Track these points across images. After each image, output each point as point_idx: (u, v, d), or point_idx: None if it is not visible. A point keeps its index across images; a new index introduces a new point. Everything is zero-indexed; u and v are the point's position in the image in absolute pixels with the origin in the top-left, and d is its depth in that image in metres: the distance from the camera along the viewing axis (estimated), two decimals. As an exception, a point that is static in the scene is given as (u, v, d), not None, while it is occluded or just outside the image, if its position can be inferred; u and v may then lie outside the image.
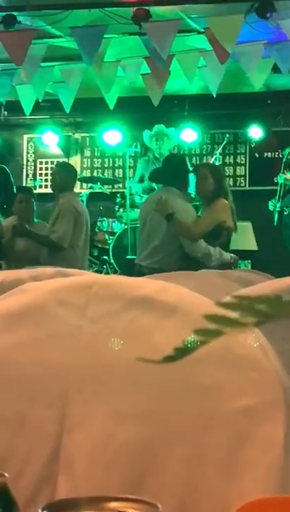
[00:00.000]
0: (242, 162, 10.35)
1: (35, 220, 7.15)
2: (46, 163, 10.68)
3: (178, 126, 9.67)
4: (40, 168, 10.79)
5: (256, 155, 10.23)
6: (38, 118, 9.98)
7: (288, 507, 0.88)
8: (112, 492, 1.01)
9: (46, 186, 9.56)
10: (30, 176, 10.85)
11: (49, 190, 7.33)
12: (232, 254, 6.08)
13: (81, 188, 9.87)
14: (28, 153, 10.92)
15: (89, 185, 9.69)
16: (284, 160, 9.06)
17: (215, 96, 7.62)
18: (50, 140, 10.51)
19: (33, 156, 10.91)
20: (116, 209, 8.87)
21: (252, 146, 10.21)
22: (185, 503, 1.16)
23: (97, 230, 8.84)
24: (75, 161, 10.49)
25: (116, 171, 10.65)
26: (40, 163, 10.82)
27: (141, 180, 9.07)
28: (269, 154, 10.17)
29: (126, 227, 8.47)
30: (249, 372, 1.18)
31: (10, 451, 1.25)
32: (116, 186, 9.98)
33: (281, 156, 9.45)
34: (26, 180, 10.71)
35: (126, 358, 1.22)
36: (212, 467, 1.16)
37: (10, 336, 1.30)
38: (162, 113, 9.09)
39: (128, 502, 0.81)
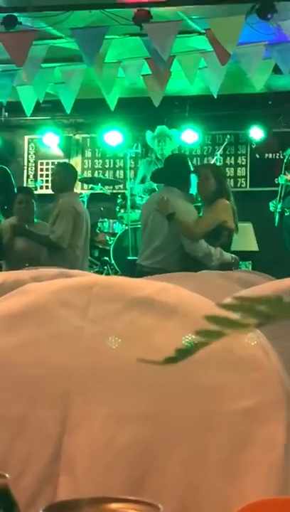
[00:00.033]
0: (243, 163, 10.35)
1: (36, 220, 7.15)
2: (47, 164, 10.69)
3: (179, 127, 9.68)
4: (41, 169, 10.79)
5: (257, 156, 10.23)
6: (38, 119, 9.99)
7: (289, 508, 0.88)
8: (113, 493, 1.01)
9: (47, 187, 9.55)
10: (31, 176, 10.85)
11: (50, 191, 7.32)
12: (233, 255, 6.08)
13: (82, 188, 9.88)
14: (28, 154, 10.93)
15: (90, 186, 9.69)
16: (285, 161, 9.06)
17: (215, 97, 7.62)
18: (50, 141, 10.51)
19: (33, 156, 10.91)
20: (117, 210, 8.87)
21: (253, 147, 10.21)
22: (185, 504, 1.16)
23: (97, 231, 8.84)
24: (76, 161, 10.49)
25: (117, 171, 10.65)
26: (41, 164, 10.82)
27: (143, 181, 9.07)
28: (270, 155, 10.17)
29: (126, 228, 8.47)
30: (250, 373, 1.18)
31: (11, 452, 1.25)
32: (116, 187, 9.98)
33: (281, 157, 9.46)
34: (27, 181, 10.71)
35: (127, 359, 1.22)
36: (213, 468, 1.16)
37: (11, 337, 1.30)
38: (163, 114, 9.09)
39: (129, 503, 0.81)
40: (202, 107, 9.47)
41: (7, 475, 0.85)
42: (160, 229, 6.02)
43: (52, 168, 9.01)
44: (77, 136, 10.80)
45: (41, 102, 8.20)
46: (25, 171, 10.89)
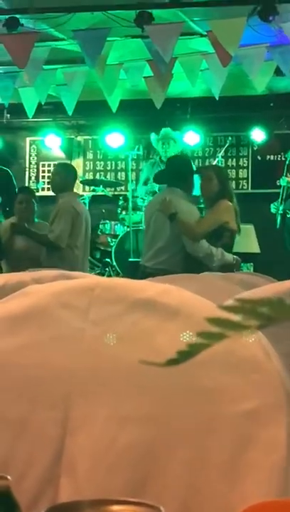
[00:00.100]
0: (245, 165, 10.35)
1: (36, 220, 7.14)
2: (49, 165, 10.69)
3: (181, 129, 9.68)
4: (43, 171, 10.79)
5: (259, 158, 10.23)
6: (40, 121, 9.99)
7: (291, 510, 0.88)
8: (114, 495, 1.01)
9: (49, 189, 9.54)
10: (33, 178, 10.86)
11: (51, 193, 7.32)
12: (235, 256, 6.09)
13: (83, 190, 9.88)
14: (30, 155, 10.94)
15: (92, 187, 9.69)
16: (287, 163, 9.07)
17: (217, 99, 7.62)
18: (52, 143, 10.52)
19: (35, 158, 10.92)
20: (119, 212, 8.88)
21: (255, 148, 10.21)
22: (187, 506, 1.16)
23: (99, 233, 8.84)
24: (78, 163, 10.49)
25: (119, 173, 10.66)
26: (43, 165, 10.83)
27: (146, 183, 9.08)
28: (272, 157, 10.16)
29: (128, 229, 8.48)
30: (251, 375, 1.18)
31: (12, 454, 1.25)
32: (118, 189, 9.98)
33: (283, 158, 9.46)
34: (29, 182, 10.71)
35: (128, 361, 1.22)
36: (215, 470, 1.16)
37: (13, 339, 1.30)
38: (164, 116, 9.09)
39: (130, 505, 0.81)
40: (203, 108, 9.47)
41: (9, 477, 0.85)
42: (162, 230, 6.03)
43: (52, 169, 9.02)
44: (79, 138, 10.80)
45: (43, 103, 8.20)
46: (26, 173, 10.90)
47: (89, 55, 6.87)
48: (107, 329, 1.27)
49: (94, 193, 9.45)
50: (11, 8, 6.86)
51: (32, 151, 10.93)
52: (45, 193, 9.78)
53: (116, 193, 9.75)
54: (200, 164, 9.95)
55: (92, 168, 10.78)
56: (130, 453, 1.20)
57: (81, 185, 9.90)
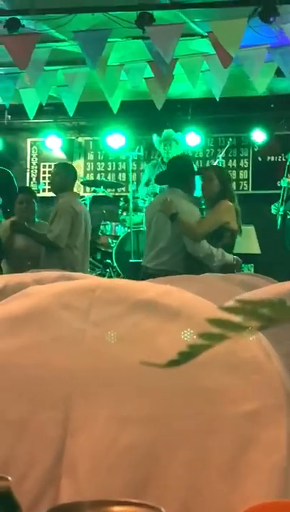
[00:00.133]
0: (245, 166, 10.35)
1: (36, 219, 7.14)
2: (50, 166, 10.68)
3: (182, 130, 9.68)
4: (44, 172, 10.80)
5: (259, 159, 10.23)
6: (41, 122, 9.99)
7: (292, 511, 0.88)
8: (115, 496, 1.01)
9: (49, 190, 9.56)
10: (34, 179, 10.86)
11: (52, 194, 7.32)
12: (235, 256, 6.09)
13: (84, 191, 9.88)
14: (31, 156, 10.94)
15: (93, 188, 9.69)
16: (288, 164, 9.07)
17: (218, 100, 7.62)
18: (53, 144, 10.52)
19: (36, 159, 10.92)
20: (120, 213, 8.89)
21: (255, 149, 10.21)
22: (188, 506, 1.16)
23: (100, 234, 8.85)
24: (78, 164, 10.50)
25: (120, 174, 10.66)
26: (44, 166, 10.83)
27: (148, 184, 9.08)
28: (272, 158, 10.17)
29: (129, 230, 8.48)
30: (252, 376, 1.18)
31: (13, 455, 1.25)
32: (119, 190, 9.98)
33: (284, 159, 9.46)
34: (30, 183, 10.71)
35: (129, 362, 1.22)
36: (216, 471, 1.16)
37: (13, 340, 1.30)
38: (165, 117, 9.09)
39: (131, 506, 0.81)
40: (204, 109, 9.47)
41: (9, 478, 0.85)
42: (164, 230, 6.04)
43: (52, 169, 9.02)
44: (80, 139, 10.81)
45: (44, 104, 8.20)
46: (27, 174, 10.90)
47: (90, 56, 6.87)
48: (108, 330, 1.27)
49: (94, 194, 9.46)
50: (12, 9, 6.86)
51: (33, 152, 10.93)
52: (46, 194, 9.78)
53: (116, 194, 9.76)
54: (201, 165, 9.95)
55: (92, 169, 10.78)
56: (131, 454, 1.21)
57: (82, 186, 9.90)
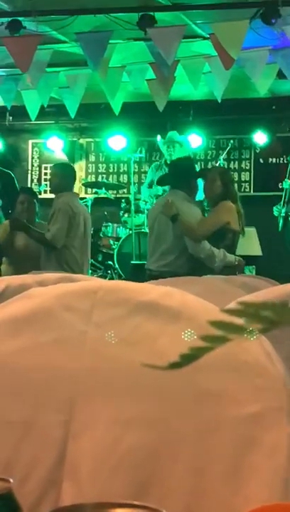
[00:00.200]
0: (247, 168, 10.36)
1: (37, 220, 7.14)
2: (51, 168, 10.70)
3: (183, 132, 9.69)
4: (45, 173, 10.80)
5: (261, 160, 10.24)
6: (43, 123, 10.00)
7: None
8: (117, 498, 1.01)
9: (51, 191, 9.58)
10: (35, 181, 10.87)
11: (54, 195, 7.33)
12: (237, 257, 6.08)
13: (86, 193, 9.89)
14: (32, 158, 10.95)
15: (94, 190, 9.70)
16: (289, 165, 9.07)
17: (219, 101, 7.63)
18: (55, 145, 10.53)
19: (37, 161, 10.93)
20: (121, 214, 8.89)
21: (257, 151, 10.22)
22: (190, 509, 1.16)
23: (101, 235, 8.85)
24: (80, 166, 10.51)
25: (121, 176, 10.66)
26: (45, 168, 10.84)
27: (151, 185, 9.09)
28: (274, 160, 10.17)
29: (130, 232, 8.48)
30: (254, 379, 1.18)
31: (15, 456, 1.25)
32: (120, 191, 9.99)
33: (285, 161, 9.46)
34: (31, 185, 10.72)
35: (131, 363, 1.22)
36: (218, 473, 1.16)
37: (15, 341, 1.30)
38: (167, 118, 9.10)
39: (133, 508, 0.81)
40: (206, 111, 9.48)
41: (11, 479, 0.85)
42: (166, 232, 6.05)
43: (51, 169, 9.03)
44: (81, 141, 10.81)
45: (45, 106, 8.21)
46: (29, 175, 10.91)
47: (91, 58, 6.88)
48: (110, 332, 1.27)
49: (96, 196, 9.46)
50: (14, 10, 6.87)
51: (34, 153, 10.94)
52: (48, 195, 9.78)
53: (118, 195, 9.77)
54: (203, 167, 9.96)
55: (94, 170, 10.79)
56: (133, 456, 1.20)
57: (83, 187, 9.91)
